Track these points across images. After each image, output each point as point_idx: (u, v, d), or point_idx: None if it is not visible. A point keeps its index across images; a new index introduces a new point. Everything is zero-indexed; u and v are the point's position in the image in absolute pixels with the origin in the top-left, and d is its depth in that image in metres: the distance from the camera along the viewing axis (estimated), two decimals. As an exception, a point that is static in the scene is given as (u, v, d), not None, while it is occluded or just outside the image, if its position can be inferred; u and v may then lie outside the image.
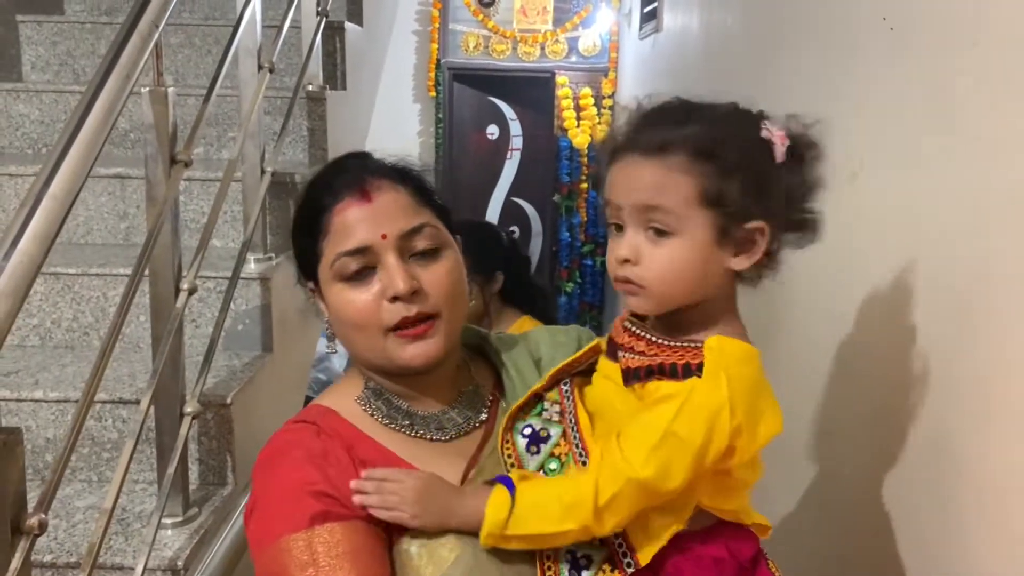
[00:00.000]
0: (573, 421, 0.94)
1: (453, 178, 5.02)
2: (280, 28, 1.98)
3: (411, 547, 0.88)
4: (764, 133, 0.86)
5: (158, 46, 1.37)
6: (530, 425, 0.96)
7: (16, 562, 0.96)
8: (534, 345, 1.09)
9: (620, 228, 0.89)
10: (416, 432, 0.97)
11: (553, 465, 0.93)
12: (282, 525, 0.86)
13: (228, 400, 1.64)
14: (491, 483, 0.89)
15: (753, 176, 0.85)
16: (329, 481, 0.88)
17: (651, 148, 0.86)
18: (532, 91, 5.06)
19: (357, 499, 0.87)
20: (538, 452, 0.94)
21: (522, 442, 0.95)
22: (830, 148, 1.41)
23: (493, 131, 5.25)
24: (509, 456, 0.94)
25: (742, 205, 0.85)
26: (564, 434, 0.94)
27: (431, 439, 0.97)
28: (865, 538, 1.21)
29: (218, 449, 1.66)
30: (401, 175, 0.98)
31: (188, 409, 1.48)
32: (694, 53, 2.74)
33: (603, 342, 1.00)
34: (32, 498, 1.01)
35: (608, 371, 0.95)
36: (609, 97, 4.88)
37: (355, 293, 0.93)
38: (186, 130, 1.48)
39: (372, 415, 0.97)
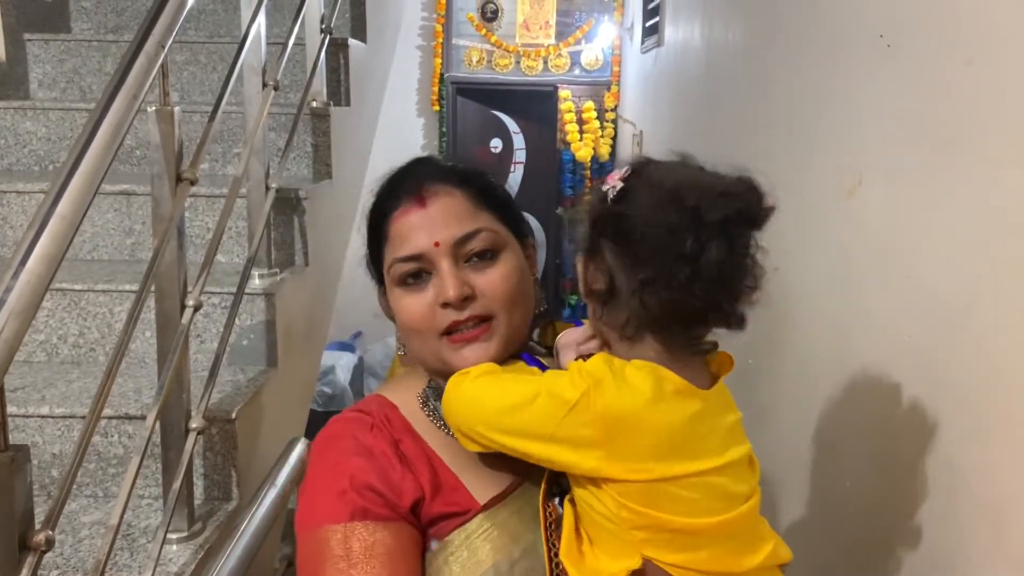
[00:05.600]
0: None
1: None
2: (285, 45, 2.00)
3: (453, 540, 0.89)
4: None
5: (164, 66, 1.38)
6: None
7: (23, 578, 0.97)
8: None
9: None
10: None
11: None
12: (323, 513, 0.88)
13: (233, 415, 1.65)
14: None
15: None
16: (374, 476, 0.89)
17: None
18: (535, 105, 5.08)
19: None
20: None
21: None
22: (829, 163, 1.43)
23: (496, 144, 5.27)
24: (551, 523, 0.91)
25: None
26: None
27: None
28: (867, 550, 1.21)
29: (223, 464, 1.67)
30: (462, 178, 0.98)
31: (193, 424, 1.48)
32: (695, 67, 2.76)
33: None
34: (39, 514, 1.02)
35: None
36: (612, 111, 4.89)
37: (412, 298, 0.94)
38: (191, 147, 1.50)
39: (429, 416, 0.98)
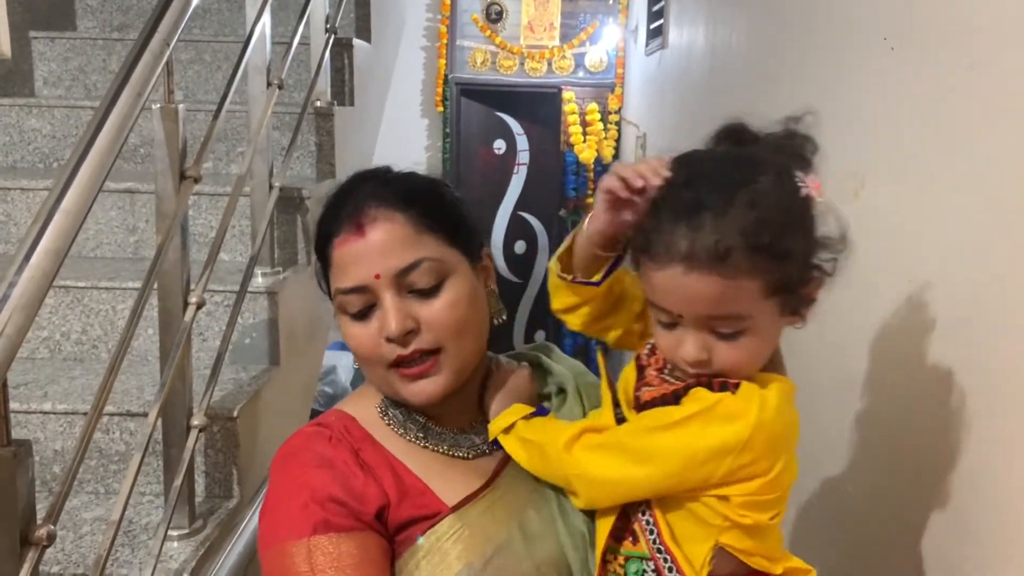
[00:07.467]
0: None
1: (460, 192, 5.05)
2: (289, 45, 2.00)
3: (422, 544, 0.88)
4: (804, 191, 0.81)
5: (169, 64, 1.39)
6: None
7: (25, 573, 0.97)
8: (581, 380, 1.07)
9: (674, 324, 0.85)
10: (427, 444, 0.96)
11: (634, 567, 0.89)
12: (285, 530, 0.86)
13: (235, 413, 1.66)
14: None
15: (805, 244, 0.82)
16: (336, 486, 0.88)
17: (706, 259, 0.78)
18: (539, 106, 5.09)
19: None
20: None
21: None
22: (833, 166, 1.43)
23: (500, 146, 5.27)
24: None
25: (803, 277, 0.83)
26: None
27: (443, 452, 0.97)
28: (874, 557, 1.21)
29: (224, 462, 1.67)
30: (406, 199, 0.93)
31: (195, 422, 1.49)
32: (699, 70, 2.76)
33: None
34: (40, 510, 1.03)
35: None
36: (615, 113, 4.90)
37: (357, 328, 0.92)
38: (195, 145, 1.50)
39: (388, 424, 0.97)
